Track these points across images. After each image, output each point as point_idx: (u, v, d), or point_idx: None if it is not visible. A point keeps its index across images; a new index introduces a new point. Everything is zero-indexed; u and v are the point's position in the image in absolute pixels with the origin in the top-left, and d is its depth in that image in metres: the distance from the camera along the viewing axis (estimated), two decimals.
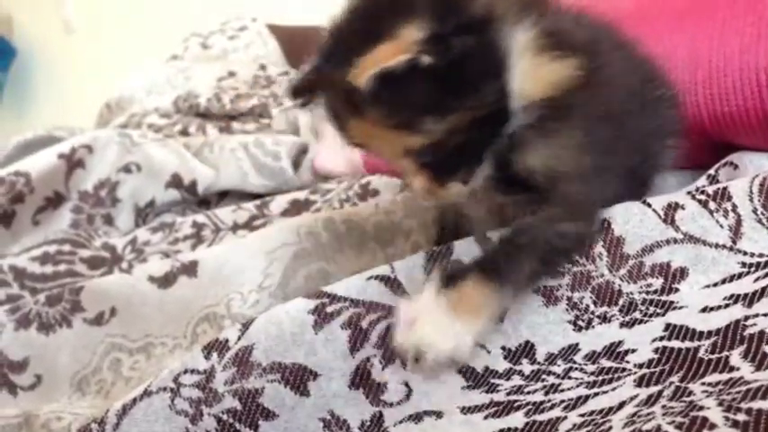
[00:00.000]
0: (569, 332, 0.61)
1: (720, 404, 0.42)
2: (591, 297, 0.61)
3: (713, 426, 0.40)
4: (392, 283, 0.64)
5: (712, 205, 0.64)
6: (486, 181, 0.61)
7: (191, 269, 0.83)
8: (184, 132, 1.67)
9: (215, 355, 0.60)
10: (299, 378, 0.59)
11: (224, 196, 1.30)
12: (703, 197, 0.64)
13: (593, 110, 0.60)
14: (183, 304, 0.81)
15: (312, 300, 0.63)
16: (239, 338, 0.61)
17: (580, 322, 0.61)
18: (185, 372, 0.60)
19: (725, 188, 0.65)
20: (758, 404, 0.40)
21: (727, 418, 0.40)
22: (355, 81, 0.52)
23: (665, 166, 0.75)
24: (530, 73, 0.57)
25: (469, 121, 0.56)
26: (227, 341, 0.61)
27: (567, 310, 0.61)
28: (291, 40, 2.23)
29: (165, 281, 0.84)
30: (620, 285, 0.61)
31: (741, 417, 0.40)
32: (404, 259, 0.67)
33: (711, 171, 0.76)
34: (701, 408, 0.42)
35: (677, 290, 0.61)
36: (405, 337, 0.58)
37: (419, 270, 0.65)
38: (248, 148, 1.30)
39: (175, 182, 1.22)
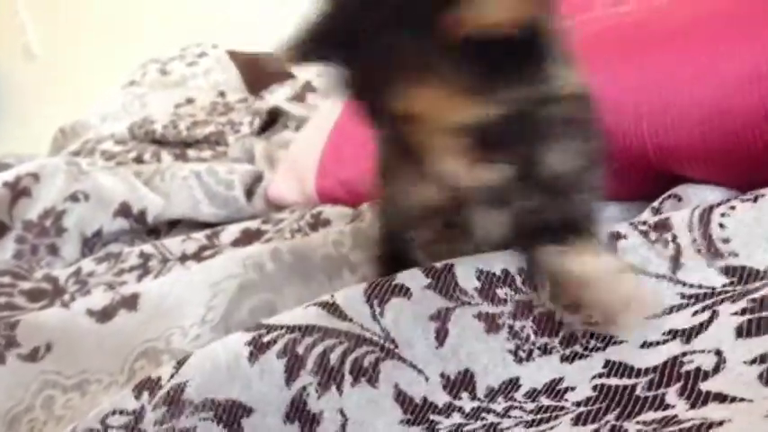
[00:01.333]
0: (510, 363, 0.60)
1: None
2: (532, 326, 0.61)
3: None
4: (330, 307, 0.63)
5: (653, 236, 0.64)
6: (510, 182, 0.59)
7: (131, 302, 0.81)
8: (139, 159, 1.64)
9: (146, 394, 0.58)
10: (232, 415, 0.57)
11: (175, 226, 1.28)
12: (645, 227, 0.65)
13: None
14: (122, 339, 0.78)
15: (249, 332, 0.61)
16: (172, 376, 0.59)
17: (521, 353, 0.60)
18: (113, 413, 0.57)
19: (666, 219, 0.65)
20: None
21: None
22: (458, 32, 0.48)
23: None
24: (569, 67, 0.57)
25: (533, 98, 0.54)
26: (159, 379, 0.59)
27: (508, 338, 0.60)
28: (251, 67, 2.22)
29: (104, 315, 0.81)
30: (561, 316, 0.61)
31: None
32: (344, 288, 0.66)
33: (655, 204, 0.76)
34: None
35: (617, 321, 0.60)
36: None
37: (359, 298, 0.64)
38: (201, 176, 1.28)
39: (124, 211, 1.19)
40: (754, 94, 0.70)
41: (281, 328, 0.61)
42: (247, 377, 0.58)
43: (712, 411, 0.46)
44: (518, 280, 0.62)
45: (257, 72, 2.17)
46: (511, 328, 0.61)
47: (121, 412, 0.57)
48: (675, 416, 0.46)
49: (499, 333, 0.60)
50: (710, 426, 0.42)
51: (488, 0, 0.47)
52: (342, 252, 0.86)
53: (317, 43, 0.54)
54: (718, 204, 0.65)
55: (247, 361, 0.59)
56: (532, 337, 0.60)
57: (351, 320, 0.61)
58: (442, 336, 0.61)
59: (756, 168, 0.73)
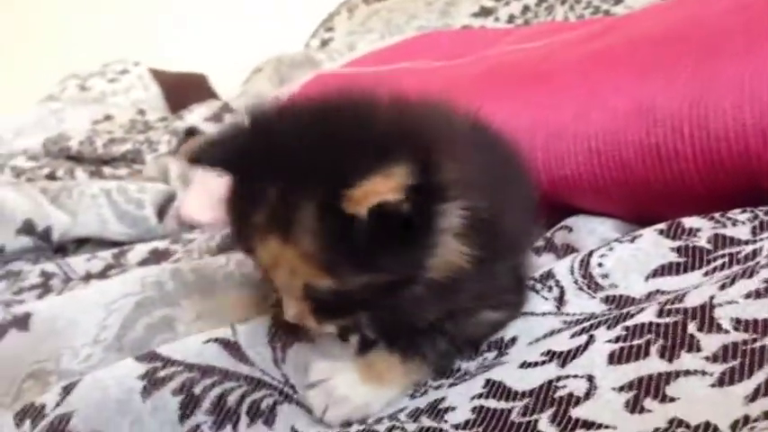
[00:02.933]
0: (404, 399, 0.61)
1: None
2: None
3: None
4: (231, 347, 0.63)
5: (538, 287, 0.68)
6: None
7: (22, 322, 0.78)
8: (51, 176, 1.60)
9: (28, 422, 0.56)
10: None
11: (83, 244, 1.25)
12: (530, 282, 0.69)
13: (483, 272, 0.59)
14: (12, 360, 0.75)
15: (143, 363, 0.59)
16: (58, 404, 0.57)
17: (417, 394, 0.61)
18: None
19: (549, 270, 0.69)
20: None
21: None
22: (352, 208, 0.48)
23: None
24: (442, 253, 0.55)
25: (384, 281, 0.54)
26: (43, 407, 0.57)
27: None
28: (174, 87, 2.21)
29: None
30: (458, 364, 0.63)
31: None
32: (247, 323, 0.65)
33: (548, 234, 0.79)
34: None
35: (507, 354, 0.63)
36: (317, 392, 0.58)
37: (262, 339, 0.63)
38: (110, 194, 1.25)
39: (27, 228, 1.15)
40: (642, 127, 0.74)
41: (179, 364, 0.60)
42: (139, 413, 0.56)
43: None
44: None
45: (179, 91, 2.16)
46: None
47: None
48: None
49: None
50: None
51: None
52: (245, 273, 0.85)
53: (216, 157, 0.58)
54: (597, 248, 0.69)
55: (140, 396, 0.57)
56: (429, 381, 0.62)
57: (252, 365, 0.61)
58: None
59: (648, 200, 0.76)
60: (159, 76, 2.24)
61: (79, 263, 1.06)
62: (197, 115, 1.72)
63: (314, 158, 0.53)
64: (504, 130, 0.75)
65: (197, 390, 0.59)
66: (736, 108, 0.67)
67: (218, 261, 0.88)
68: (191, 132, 1.67)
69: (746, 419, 0.41)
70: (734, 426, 0.42)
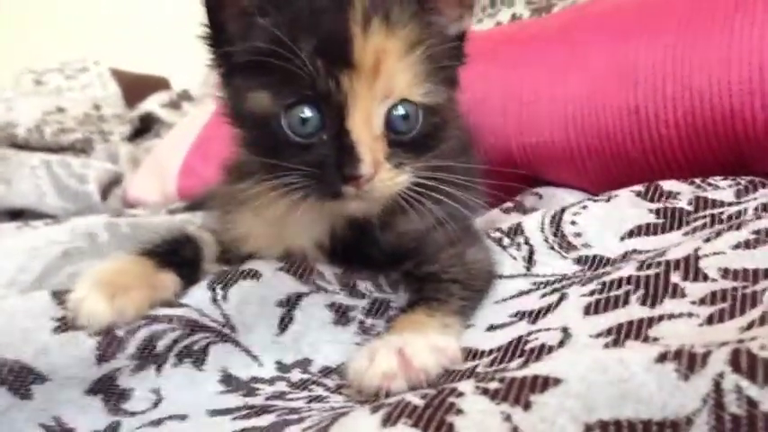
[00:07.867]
0: (353, 352, 0.55)
1: (476, 378, 0.37)
2: (385, 325, 0.58)
3: (461, 394, 0.35)
4: None
5: (506, 241, 0.64)
6: None
7: None
8: None
9: None
10: (20, 379, 0.48)
11: (18, 217, 1.16)
12: (498, 234, 0.64)
13: None
14: None
15: (62, 305, 0.52)
16: None
17: (367, 343, 0.56)
18: None
19: (519, 224, 0.64)
20: (512, 374, 0.35)
21: (477, 387, 0.35)
22: None
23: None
24: None
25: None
26: None
27: (357, 332, 0.57)
28: (135, 87, 2.14)
29: None
30: None
31: (493, 385, 0.35)
32: None
33: (518, 197, 0.74)
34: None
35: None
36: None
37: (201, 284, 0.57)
38: (51, 166, 1.18)
39: None
40: (622, 90, 0.70)
41: None
42: (45, 344, 0.49)
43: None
44: (383, 279, 0.60)
45: (140, 92, 2.09)
46: (362, 323, 0.57)
47: None
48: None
49: (348, 326, 0.57)
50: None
51: None
52: (187, 227, 0.79)
53: None
54: (571, 206, 0.65)
55: (50, 330, 0.50)
56: (383, 333, 0.56)
57: (187, 306, 0.54)
58: (285, 322, 0.55)
59: (625, 170, 0.72)
60: (120, 76, 2.17)
61: (9, 229, 0.97)
62: (154, 101, 1.65)
63: None
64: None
65: (120, 332, 0.51)
66: (722, 66, 0.63)
67: (160, 218, 0.81)
68: (147, 120, 1.60)
69: (740, 342, 0.36)
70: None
